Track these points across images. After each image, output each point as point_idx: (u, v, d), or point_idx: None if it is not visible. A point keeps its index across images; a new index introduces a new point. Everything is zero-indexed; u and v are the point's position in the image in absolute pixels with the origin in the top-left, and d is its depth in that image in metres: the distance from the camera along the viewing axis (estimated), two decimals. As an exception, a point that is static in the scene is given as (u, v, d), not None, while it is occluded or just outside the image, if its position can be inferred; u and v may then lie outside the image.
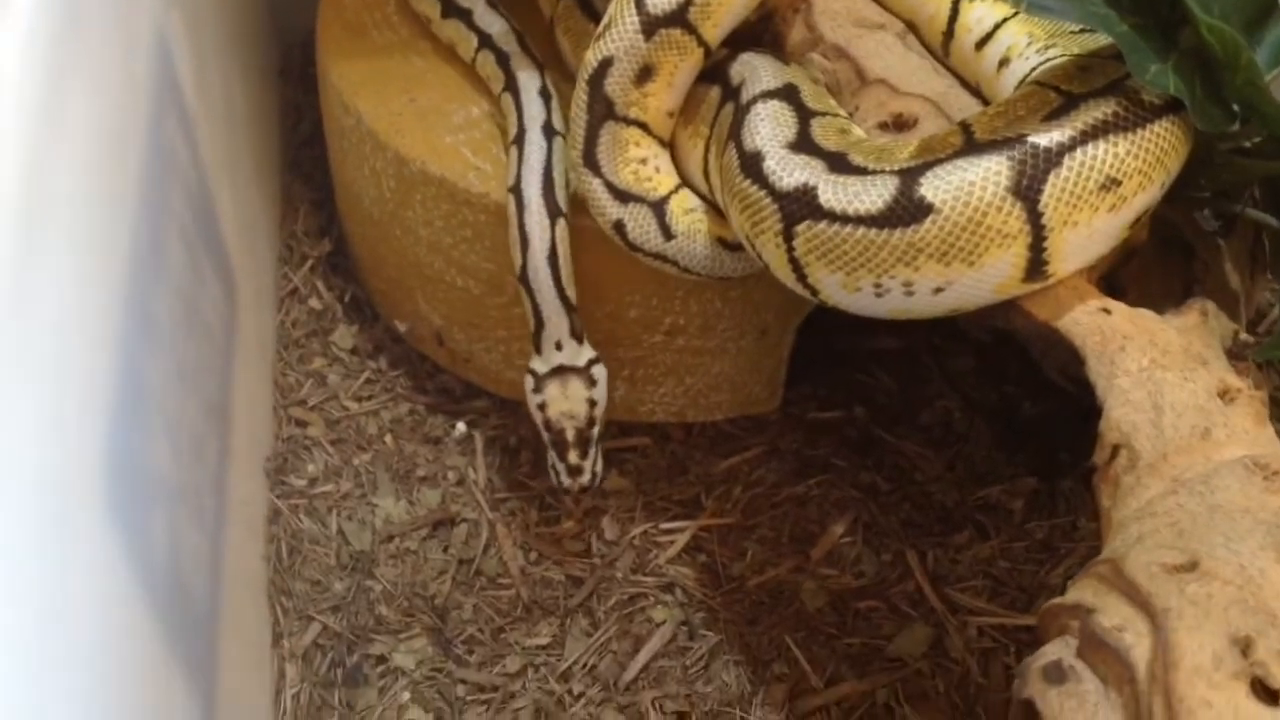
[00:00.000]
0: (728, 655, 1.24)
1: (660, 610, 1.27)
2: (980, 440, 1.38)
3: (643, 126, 1.18)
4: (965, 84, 1.15)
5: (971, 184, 0.93)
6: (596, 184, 1.19)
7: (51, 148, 0.76)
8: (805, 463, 1.38)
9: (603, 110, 1.17)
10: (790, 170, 1.01)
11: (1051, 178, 0.93)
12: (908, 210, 0.94)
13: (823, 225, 0.98)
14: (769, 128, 1.05)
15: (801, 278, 1.02)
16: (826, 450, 1.39)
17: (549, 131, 1.26)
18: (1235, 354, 0.98)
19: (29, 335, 0.69)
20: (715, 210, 1.18)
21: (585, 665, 1.23)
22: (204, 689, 0.93)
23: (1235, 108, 0.94)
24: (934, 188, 0.94)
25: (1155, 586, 0.75)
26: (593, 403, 1.25)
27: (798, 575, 1.29)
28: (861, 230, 0.96)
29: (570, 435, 1.23)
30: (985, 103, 1.13)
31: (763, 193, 1.02)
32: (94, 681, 0.72)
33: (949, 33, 1.15)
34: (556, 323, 1.24)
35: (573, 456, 1.23)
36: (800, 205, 0.99)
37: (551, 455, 1.25)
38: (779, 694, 1.21)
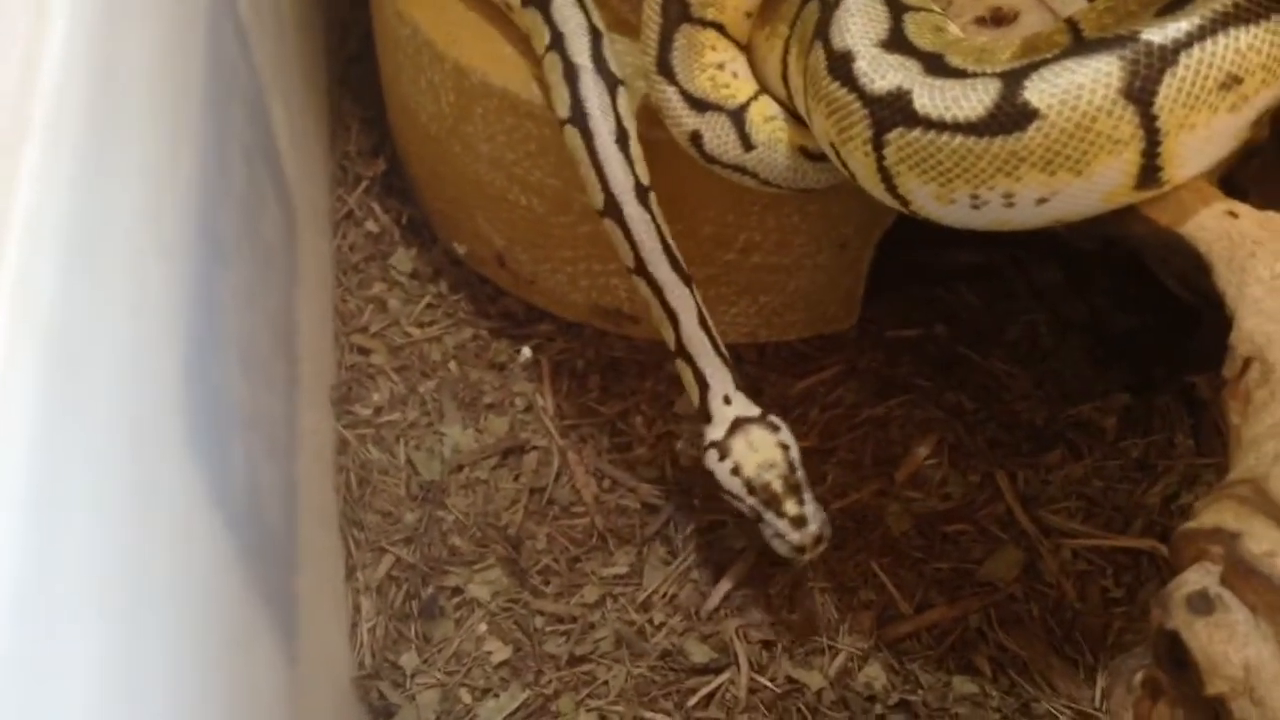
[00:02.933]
0: (812, 582, 1.20)
1: (740, 538, 1.23)
2: (1070, 356, 1.32)
3: (719, 28, 1.12)
4: (1065, -23, 1.08)
5: (1080, 87, 0.86)
6: (671, 92, 1.13)
7: (117, 55, 0.71)
8: (885, 382, 1.33)
9: (678, 12, 1.10)
10: (883, 72, 0.94)
11: (1167, 78, 0.86)
12: (1010, 116, 0.88)
13: (917, 133, 0.92)
14: (860, 24, 0.98)
15: (891, 188, 0.96)
16: (907, 369, 1.34)
17: (642, 194, 1.15)
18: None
19: (106, 255, 0.65)
20: (796, 118, 1.12)
21: (665, 595, 1.20)
22: (286, 624, 0.90)
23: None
24: (1039, 91, 0.87)
25: (1305, 509, 0.70)
26: (785, 446, 1.11)
27: (881, 499, 1.25)
28: (959, 139, 0.90)
29: (779, 486, 1.09)
30: (1087, -3, 1.06)
31: (852, 96, 0.95)
32: (182, 619, 0.69)
33: (1047, -79, 1.08)
34: (720, 378, 1.14)
35: (790, 507, 1.08)
36: (893, 111, 0.93)
37: (768, 522, 1.09)
38: (867, 621, 1.17)
